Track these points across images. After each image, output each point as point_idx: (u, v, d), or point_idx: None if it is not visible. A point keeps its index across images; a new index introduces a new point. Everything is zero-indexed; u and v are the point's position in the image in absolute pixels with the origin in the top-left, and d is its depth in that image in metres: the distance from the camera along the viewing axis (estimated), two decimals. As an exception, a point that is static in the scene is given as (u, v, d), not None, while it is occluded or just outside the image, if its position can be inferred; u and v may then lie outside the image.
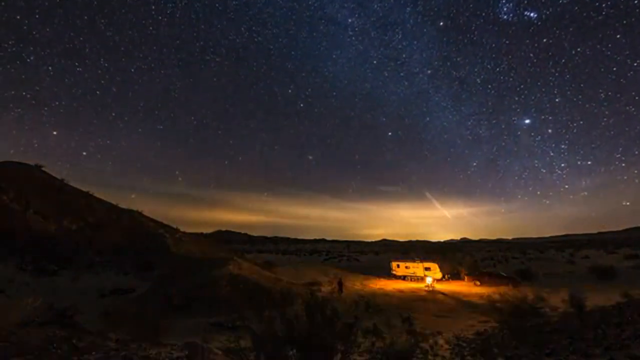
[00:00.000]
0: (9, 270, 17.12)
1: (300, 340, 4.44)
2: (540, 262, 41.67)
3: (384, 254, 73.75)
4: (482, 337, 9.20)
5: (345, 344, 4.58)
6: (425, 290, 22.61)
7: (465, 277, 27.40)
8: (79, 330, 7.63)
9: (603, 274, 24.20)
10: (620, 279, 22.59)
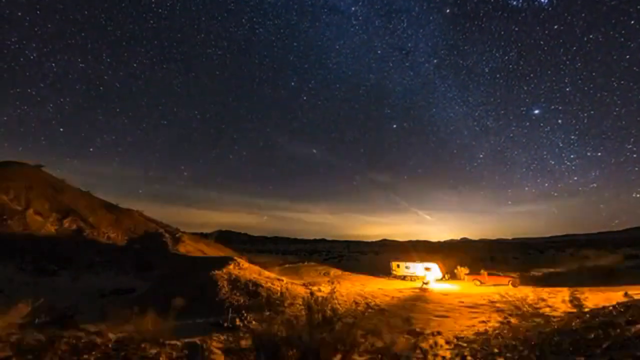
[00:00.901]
0: (9, 270, 17.11)
1: (300, 340, 4.43)
2: (540, 262, 41.68)
3: (384, 254, 73.76)
4: (482, 337, 9.19)
5: (345, 344, 4.58)
6: (420, 289, 22.61)
7: (465, 277, 27.41)
8: (79, 330, 7.63)
9: (603, 274, 24.20)
10: (620, 279, 22.59)
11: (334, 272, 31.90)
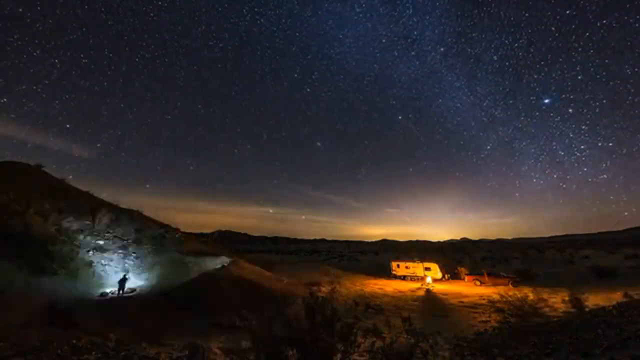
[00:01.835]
0: (9, 270, 17.10)
1: (300, 340, 4.44)
2: (540, 262, 41.68)
3: (384, 254, 73.75)
4: (482, 337, 9.19)
5: (345, 344, 4.58)
6: (420, 289, 22.62)
7: (465, 277, 27.40)
8: (79, 330, 7.63)
9: (603, 274, 24.21)
10: (620, 279, 22.59)
11: (334, 272, 31.89)
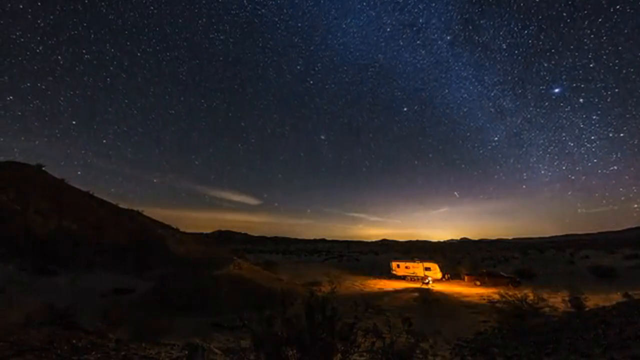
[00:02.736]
0: (9, 270, 17.11)
1: (300, 340, 4.43)
2: (540, 262, 41.68)
3: (384, 254, 73.75)
4: (482, 337, 9.19)
5: (345, 344, 4.58)
6: (420, 289, 22.62)
7: (465, 277, 27.40)
8: (79, 330, 7.63)
9: (603, 274, 24.20)
10: (620, 279, 22.59)
11: (334, 272, 31.90)
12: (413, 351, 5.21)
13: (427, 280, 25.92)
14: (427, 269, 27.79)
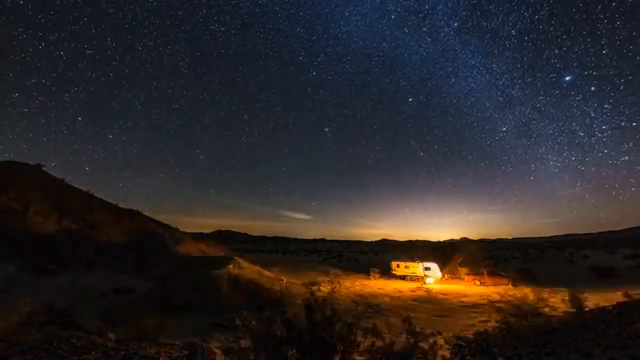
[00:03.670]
0: (9, 270, 17.11)
1: (300, 340, 4.43)
2: (540, 262, 41.68)
3: (384, 254, 73.71)
4: (482, 337, 9.19)
5: (345, 344, 4.58)
6: (420, 289, 22.64)
7: (465, 277, 27.41)
8: (79, 330, 7.63)
9: (603, 274, 24.21)
10: (620, 279, 22.59)
11: (334, 272, 31.90)
12: (413, 351, 5.21)
13: (427, 280, 25.92)
14: (427, 269, 27.80)
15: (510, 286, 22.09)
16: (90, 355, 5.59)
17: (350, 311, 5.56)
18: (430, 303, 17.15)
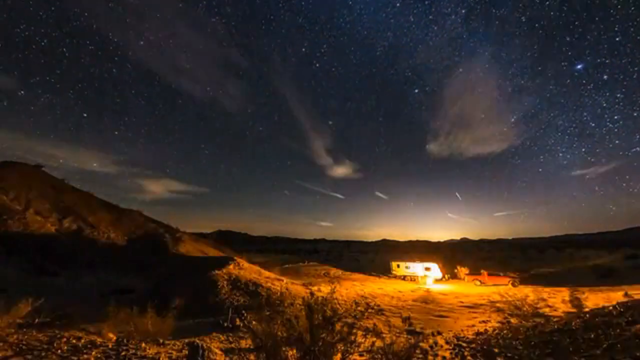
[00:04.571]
0: (9, 270, 17.11)
1: (300, 340, 4.44)
2: (540, 262, 41.67)
3: (384, 254, 73.72)
4: (482, 337, 9.19)
5: (345, 344, 4.58)
6: (420, 289, 22.64)
7: (465, 277, 27.41)
8: (79, 330, 7.63)
9: (603, 274, 24.21)
10: (620, 279, 22.59)
11: (334, 272, 31.90)
12: (413, 351, 5.22)
13: (427, 280, 25.92)
14: (427, 269, 27.80)
15: (510, 286, 22.09)
16: (90, 355, 5.59)
17: (350, 311, 5.56)
18: (430, 303, 17.15)
